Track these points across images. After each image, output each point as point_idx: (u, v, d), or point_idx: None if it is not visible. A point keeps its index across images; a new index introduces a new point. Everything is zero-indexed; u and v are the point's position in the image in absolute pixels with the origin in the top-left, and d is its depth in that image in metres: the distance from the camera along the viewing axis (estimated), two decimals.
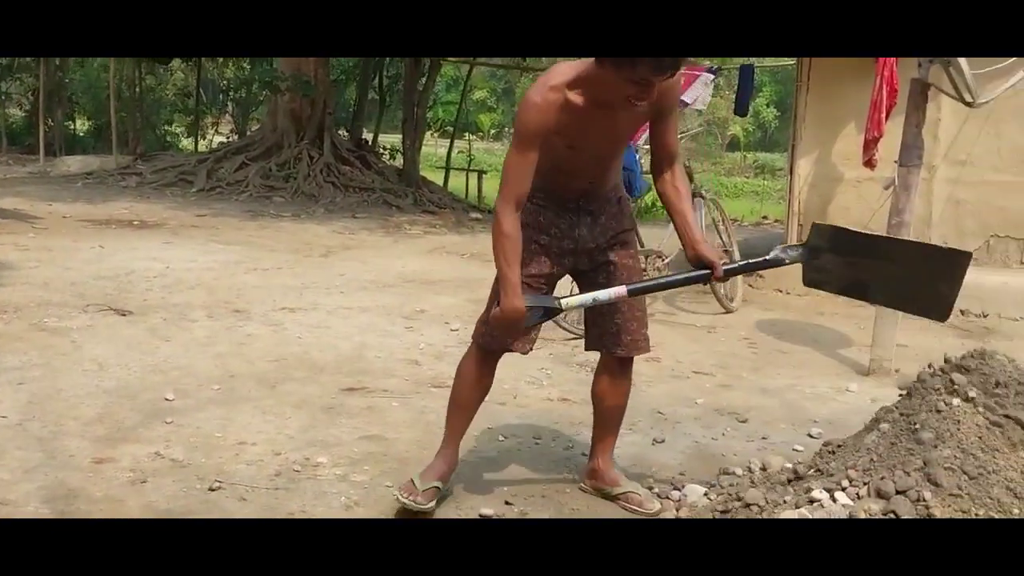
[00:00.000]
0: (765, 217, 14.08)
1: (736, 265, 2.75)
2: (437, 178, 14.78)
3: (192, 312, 5.03)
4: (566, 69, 2.37)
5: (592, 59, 2.28)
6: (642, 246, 5.05)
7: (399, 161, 14.69)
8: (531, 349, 2.69)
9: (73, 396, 3.51)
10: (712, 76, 8.76)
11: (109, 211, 9.46)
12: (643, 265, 4.70)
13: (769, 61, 18.32)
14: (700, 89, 8.59)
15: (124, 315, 4.84)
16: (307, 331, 4.80)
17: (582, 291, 2.67)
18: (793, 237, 6.85)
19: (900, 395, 2.44)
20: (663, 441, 3.36)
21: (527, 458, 3.16)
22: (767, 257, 2.59)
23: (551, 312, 2.52)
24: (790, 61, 12.56)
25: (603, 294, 2.51)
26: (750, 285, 6.63)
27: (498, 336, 2.59)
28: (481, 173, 15.65)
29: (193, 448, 3.06)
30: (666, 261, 5.54)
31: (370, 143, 14.91)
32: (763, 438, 3.48)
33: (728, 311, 5.90)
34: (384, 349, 4.52)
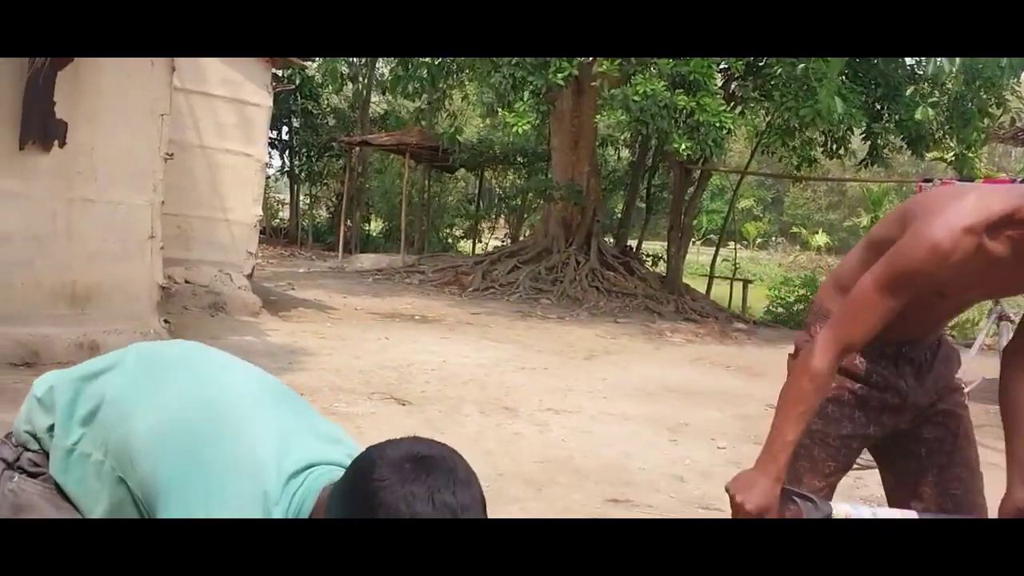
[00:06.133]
0: None
1: None
2: (700, 286, 14.62)
3: (465, 406, 5.25)
4: (989, 204, 1.68)
5: None
6: None
7: (662, 268, 14.73)
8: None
9: None
10: None
11: (395, 305, 10.27)
12: None
13: None
14: None
15: (404, 404, 5.15)
16: (571, 434, 4.81)
17: (880, 458, 2.04)
18: None
19: None
20: None
21: None
22: None
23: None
24: None
25: (888, 512, 1.79)
26: None
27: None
28: (747, 282, 15.27)
29: None
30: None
31: (635, 250, 15.13)
32: None
33: None
34: (648, 461, 4.42)
